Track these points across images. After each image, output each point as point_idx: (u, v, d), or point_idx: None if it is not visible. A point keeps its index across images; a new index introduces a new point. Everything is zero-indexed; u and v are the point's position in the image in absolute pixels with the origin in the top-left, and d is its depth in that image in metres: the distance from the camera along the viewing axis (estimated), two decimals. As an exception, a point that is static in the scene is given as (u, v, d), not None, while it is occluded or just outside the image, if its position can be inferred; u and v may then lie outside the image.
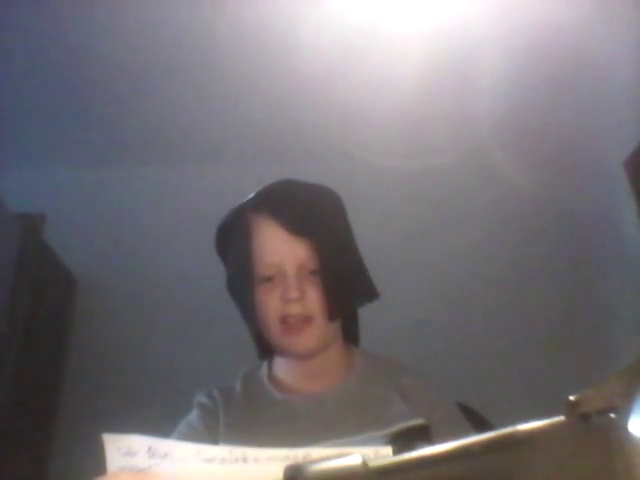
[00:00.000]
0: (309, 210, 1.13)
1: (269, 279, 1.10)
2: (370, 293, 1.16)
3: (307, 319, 1.09)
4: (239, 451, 0.65)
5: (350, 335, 1.23)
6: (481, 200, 2.66)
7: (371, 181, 2.62)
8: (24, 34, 2.14)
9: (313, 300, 1.09)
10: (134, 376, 2.48)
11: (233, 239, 1.17)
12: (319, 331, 1.10)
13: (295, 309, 1.08)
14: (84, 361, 2.54)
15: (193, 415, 1.12)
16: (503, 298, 2.55)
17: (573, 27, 2.02)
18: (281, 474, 0.61)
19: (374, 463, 0.44)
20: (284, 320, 1.09)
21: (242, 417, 1.09)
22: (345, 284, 1.13)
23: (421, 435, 1.02)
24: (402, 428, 1.02)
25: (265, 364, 1.20)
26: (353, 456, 0.44)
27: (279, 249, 1.10)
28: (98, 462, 0.63)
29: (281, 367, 1.18)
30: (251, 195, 1.17)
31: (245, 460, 0.65)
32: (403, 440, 0.99)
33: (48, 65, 2.27)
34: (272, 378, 1.17)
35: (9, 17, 2.05)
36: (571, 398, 0.45)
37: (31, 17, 2.07)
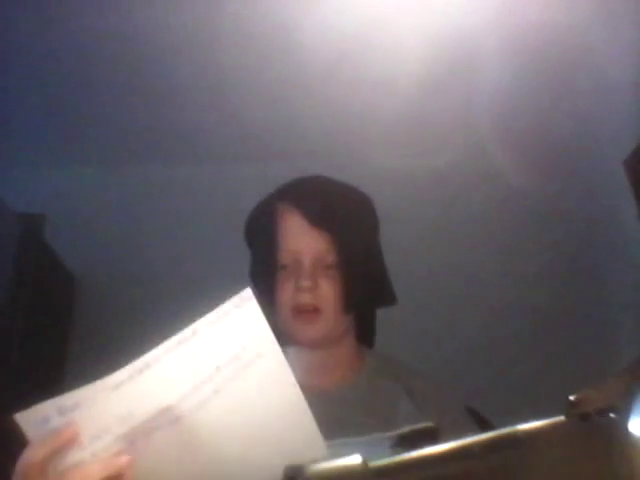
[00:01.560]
0: (333, 204, 1.15)
1: (284, 267, 1.13)
2: (388, 297, 1.18)
3: (316, 310, 1.11)
4: (140, 362, 0.69)
5: (364, 337, 1.23)
6: (481, 200, 2.66)
7: (371, 181, 2.61)
8: (24, 34, 2.14)
9: (325, 292, 1.11)
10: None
11: (259, 227, 1.19)
12: (328, 323, 1.12)
13: (306, 298, 1.10)
14: (84, 361, 2.53)
15: None
16: (502, 298, 2.55)
17: (573, 27, 2.02)
18: (182, 358, 0.67)
19: (374, 463, 0.44)
20: (295, 308, 1.11)
21: None
22: (361, 280, 1.14)
23: (429, 438, 1.02)
24: (410, 430, 1.03)
25: None
26: (353, 456, 0.44)
27: (298, 238, 1.13)
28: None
29: (292, 362, 1.18)
30: (281, 186, 1.20)
31: (148, 366, 0.68)
32: (410, 443, 0.99)
33: (48, 65, 2.27)
34: None
35: (9, 17, 2.05)
36: (571, 398, 0.45)
37: (31, 17, 2.06)
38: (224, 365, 0.69)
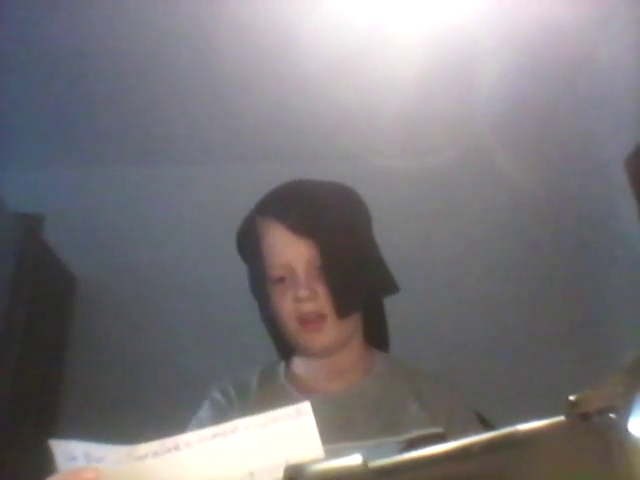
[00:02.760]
0: (312, 209, 1.14)
1: (281, 280, 1.12)
2: (389, 286, 1.17)
3: (321, 316, 1.10)
4: (170, 441, 0.66)
5: (375, 339, 1.22)
6: (481, 200, 2.66)
7: (371, 181, 2.61)
8: (24, 34, 2.14)
9: (325, 297, 1.10)
10: (134, 376, 2.48)
11: (248, 243, 1.19)
12: (334, 328, 1.11)
13: (308, 307, 1.10)
14: (84, 361, 2.54)
15: (205, 414, 1.12)
16: (502, 298, 2.55)
17: (573, 27, 2.02)
18: (213, 451, 0.64)
19: (374, 463, 0.44)
20: (300, 319, 1.10)
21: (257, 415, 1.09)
22: (352, 281, 1.13)
23: (437, 444, 1.01)
24: (418, 436, 1.02)
25: (283, 361, 1.20)
26: (353, 456, 0.44)
27: (286, 250, 1.12)
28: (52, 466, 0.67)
29: (299, 365, 1.18)
30: (260, 199, 1.18)
31: (177, 448, 0.66)
32: (418, 448, 0.99)
33: (48, 65, 2.27)
34: (290, 376, 1.17)
35: (8, 17, 2.05)
36: (571, 398, 0.45)
37: (31, 17, 2.06)
38: (259, 472, 0.65)
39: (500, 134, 2.47)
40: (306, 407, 0.68)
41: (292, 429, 0.67)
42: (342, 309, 1.11)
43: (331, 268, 1.10)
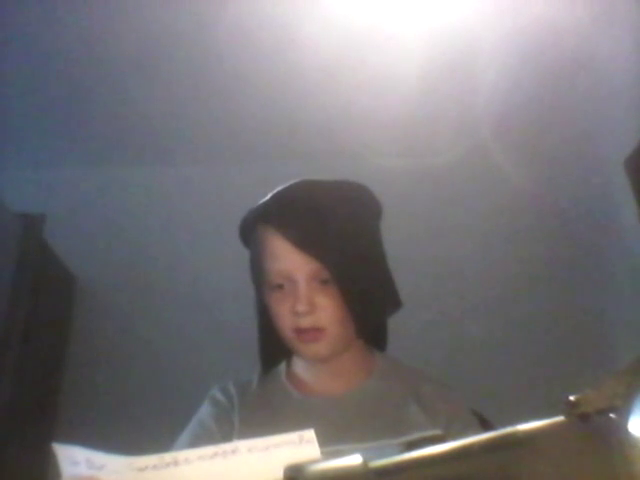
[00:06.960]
0: (316, 222, 1.09)
1: (280, 287, 1.09)
2: (394, 303, 1.15)
3: (319, 330, 1.07)
4: (169, 456, 0.66)
5: (374, 339, 1.21)
6: (481, 200, 2.66)
7: (370, 181, 2.61)
8: (23, 34, 2.14)
9: (325, 311, 1.07)
10: (134, 376, 2.48)
11: (251, 240, 1.16)
12: (331, 341, 1.09)
13: (306, 321, 1.07)
14: (84, 361, 2.54)
15: (206, 412, 1.12)
16: (502, 298, 2.54)
17: (573, 27, 2.02)
18: (212, 470, 0.65)
19: (374, 463, 0.44)
20: (296, 330, 1.08)
21: (258, 414, 1.09)
22: (366, 296, 1.10)
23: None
24: (418, 438, 1.02)
25: (284, 360, 1.20)
26: (353, 456, 0.44)
27: (288, 260, 1.08)
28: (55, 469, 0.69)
29: (300, 365, 1.17)
30: (265, 199, 1.13)
31: (176, 463, 0.66)
32: (418, 450, 0.98)
33: (48, 65, 2.27)
34: (290, 375, 1.17)
35: (7, 17, 2.05)
36: (571, 398, 0.45)
37: (30, 17, 2.07)
38: None
39: (500, 134, 2.47)
40: (310, 435, 0.67)
41: (294, 455, 0.65)
42: (361, 327, 1.10)
43: (345, 285, 1.07)
